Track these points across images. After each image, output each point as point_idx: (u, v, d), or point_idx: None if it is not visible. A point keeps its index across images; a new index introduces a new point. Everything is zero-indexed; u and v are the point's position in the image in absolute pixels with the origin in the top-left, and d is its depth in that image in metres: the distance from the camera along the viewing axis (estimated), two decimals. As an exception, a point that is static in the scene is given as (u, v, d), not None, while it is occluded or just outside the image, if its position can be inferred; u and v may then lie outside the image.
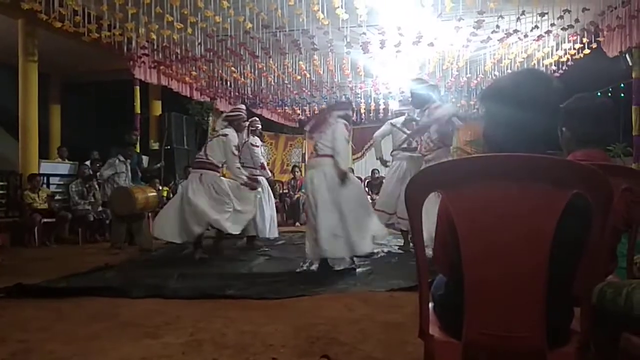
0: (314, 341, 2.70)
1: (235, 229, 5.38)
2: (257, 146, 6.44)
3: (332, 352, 2.50)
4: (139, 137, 8.24)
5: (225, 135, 5.40)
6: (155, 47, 7.50)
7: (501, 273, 1.25)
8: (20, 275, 4.47)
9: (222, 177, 5.49)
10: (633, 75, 7.33)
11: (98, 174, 7.14)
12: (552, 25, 6.57)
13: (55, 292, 3.87)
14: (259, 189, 5.99)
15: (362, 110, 11.95)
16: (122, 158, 6.83)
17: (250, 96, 11.93)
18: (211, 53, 7.70)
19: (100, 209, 7.77)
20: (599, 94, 8.80)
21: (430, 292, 1.54)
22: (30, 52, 7.58)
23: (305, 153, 15.64)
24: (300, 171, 11.40)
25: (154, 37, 6.61)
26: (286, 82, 10.00)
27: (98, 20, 6.27)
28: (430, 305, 1.51)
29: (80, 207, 7.69)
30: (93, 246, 7.17)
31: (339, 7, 5.60)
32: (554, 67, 8.24)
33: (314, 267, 4.89)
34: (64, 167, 8.74)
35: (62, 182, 8.44)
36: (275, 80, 9.95)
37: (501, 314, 1.27)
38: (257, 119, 6.66)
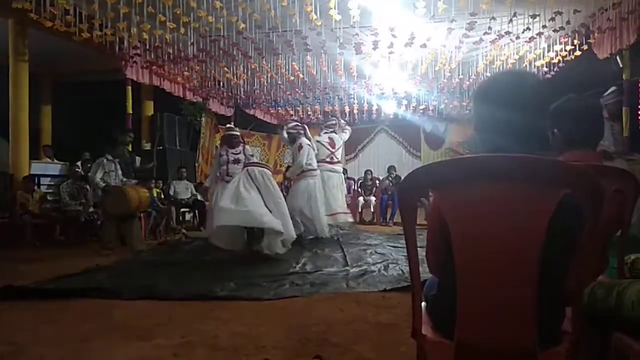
0: (307, 342, 2.70)
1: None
2: None
3: (324, 353, 2.50)
4: (133, 138, 8.11)
5: None
6: (147, 47, 7.46)
7: (493, 273, 1.25)
8: (9, 276, 4.43)
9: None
10: (623, 77, 7.40)
11: (89, 178, 7.05)
12: (544, 27, 6.60)
13: (45, 294, 3.83)
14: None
15: (355, 111, 11.98)
16: (109, 157, 6.75)
17: (243, 97, 11.91)
18: (204, 53, 7.67)
19: (91, 209, 7.71)
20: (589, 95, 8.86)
21: (422, 292, 1.54)
22: (21, 52, 7.50)
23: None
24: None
25: (146, 37, 6.57)
26: (279, 82, 9.98)
27: (89, 19, 6.22)
28: (423, 305, 1.51)
29: (71, 207, 7.62)
30: (84, 247, 7.11)
31: (332, 8, 5.60)
32: (545, 69, 8.29)
33: None
34: (54, 168, 8.67)
35: (52, 183, 8.37)
36: (268, 81, 9.93)
37: (493, 314, 1.27)
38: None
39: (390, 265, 4.98)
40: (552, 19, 6.23)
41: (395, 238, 7.27)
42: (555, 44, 7.68)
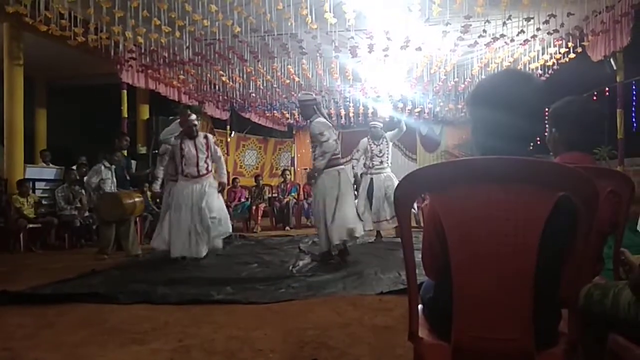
0: (303, 346, 2.69)
1: None
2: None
3: (321, 356, 2.50)
4: (129, 142, 8.07)
5: None
6: (142, 50, 7.45)
7: (489, 275, 1.25)
8: (4, 281, 4.41)
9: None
10: (617, 79, 7.44)
11: (85, 183, 7.03)
12: (538, 29, 6.63)
13: (40, 299, 3.81)
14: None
15: (351, 114, 11.99)
16: (107, 164, 6.73)
17: (239, 100, 11.90)
18: (199, 57, 7.67)
19: (86, 214, 7.69)
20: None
21: (419, 294, 1.54)
22: (16, 56, 7.49)
23: (294, 157, 15.63)
24: (291, 174, 11.35)
25: (142, 40, 6.57)
26: (275, 86, 9.99)
27: (85, 23, 6.21)
28: (420, 308, 1.51)
29: (67, 212, 7.61)
30: (79, 252, 7.09)
31: (327, 11, 5.62)
32: (539, 71, 8.34)
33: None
34: (49, 172, 8.65)
35: (47, 187, 8.34)
36: (264, 84, 9.93)
37: (490, 316, 1.28)
38: None
39: (387, 268, 4.98)
40: (546, 22, 6.26)
41: (390, 241, 7.27)
42: (550, 46, 7.72)
